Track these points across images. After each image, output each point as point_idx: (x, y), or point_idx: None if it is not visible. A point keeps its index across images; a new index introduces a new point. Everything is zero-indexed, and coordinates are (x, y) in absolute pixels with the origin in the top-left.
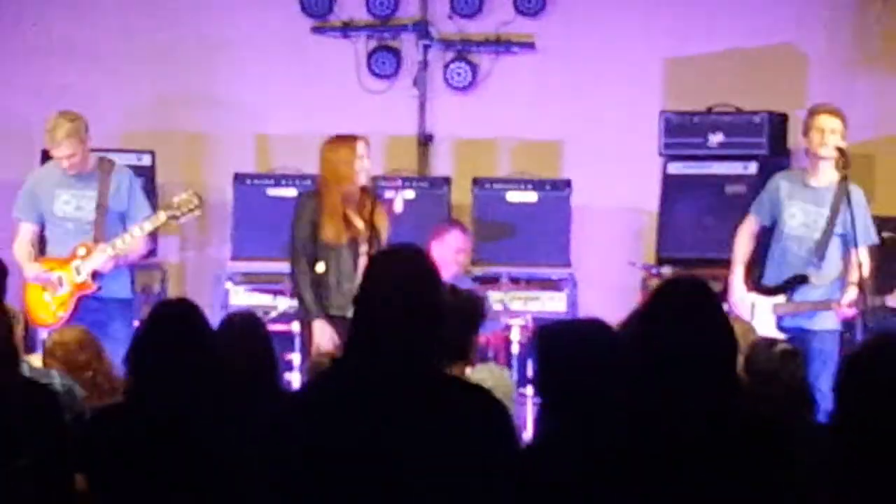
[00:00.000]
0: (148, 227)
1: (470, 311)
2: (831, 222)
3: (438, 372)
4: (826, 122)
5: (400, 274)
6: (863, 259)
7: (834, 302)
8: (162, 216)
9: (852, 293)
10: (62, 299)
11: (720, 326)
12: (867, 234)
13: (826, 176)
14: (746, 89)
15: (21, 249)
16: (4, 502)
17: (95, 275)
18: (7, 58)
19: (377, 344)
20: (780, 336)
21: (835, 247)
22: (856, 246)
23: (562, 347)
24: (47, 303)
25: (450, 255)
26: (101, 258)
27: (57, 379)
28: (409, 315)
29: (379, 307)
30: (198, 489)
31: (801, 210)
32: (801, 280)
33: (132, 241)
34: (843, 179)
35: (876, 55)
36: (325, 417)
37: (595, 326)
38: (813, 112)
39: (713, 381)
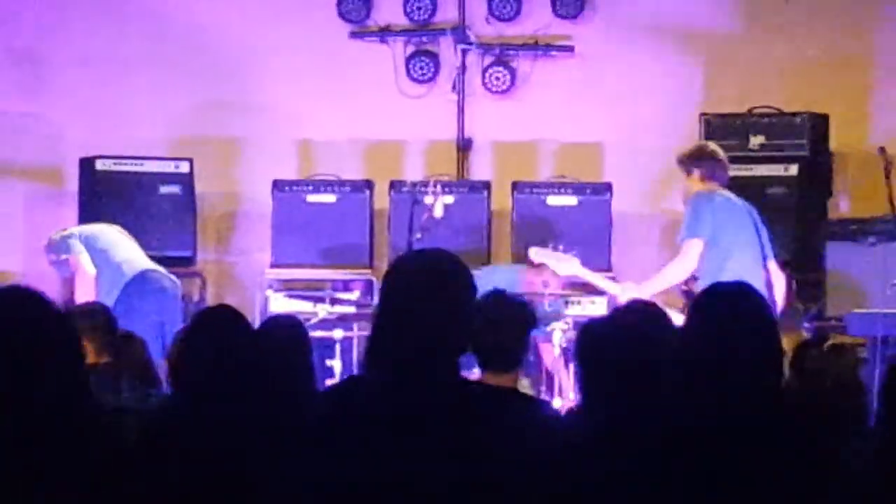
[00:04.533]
0: None
1: (522, 317)
2: None
3: (462, 379)
4: None
5: (423, 278)
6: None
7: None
8: None
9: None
10: None
11: (760, 331)
12: (682, 231)
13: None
14: (787, 89)
15: None
16: None
17: None
18: (47, 67)
19: (400, 351)
20: None
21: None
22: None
23: (606, 345)
24: None
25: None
26: None
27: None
28: (431, 319)
29: (401, 311)
30: (231, 495)
31: None
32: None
33: None
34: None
35: None
36: (351, 430)
37: (638, 320)
38: None
39: (753, 385)
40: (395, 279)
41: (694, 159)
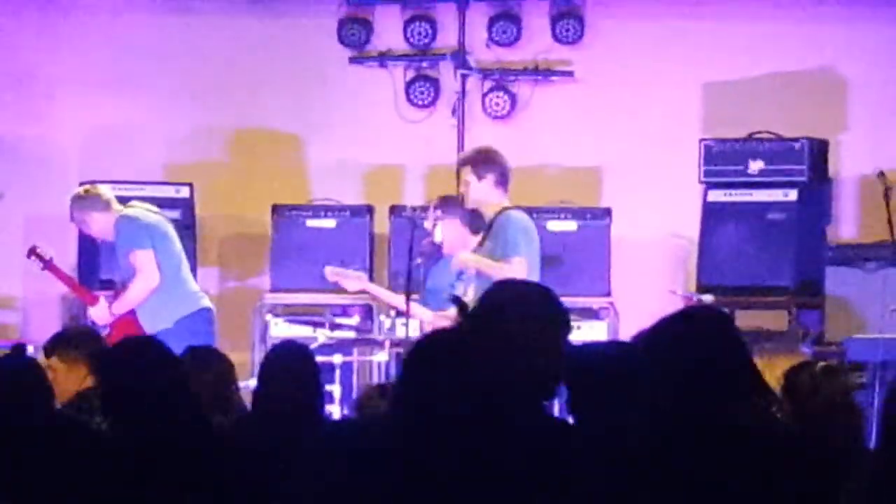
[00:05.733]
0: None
1: None
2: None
3: (546, 417)
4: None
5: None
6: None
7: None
8: None
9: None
10: None
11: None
12: (500, 252)
13: (489, 211)
14: (787, 115)
15: None
16: None
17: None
18: (46, 91)
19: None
20: None
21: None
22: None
23: (590, 369)
24: None
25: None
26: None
27: None
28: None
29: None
30: None
31: None
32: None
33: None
34: (504, 209)
35: None
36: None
37: (623, 348)
38: None
39: (705, 398)
40: (491, 306)
41: (489, 163)
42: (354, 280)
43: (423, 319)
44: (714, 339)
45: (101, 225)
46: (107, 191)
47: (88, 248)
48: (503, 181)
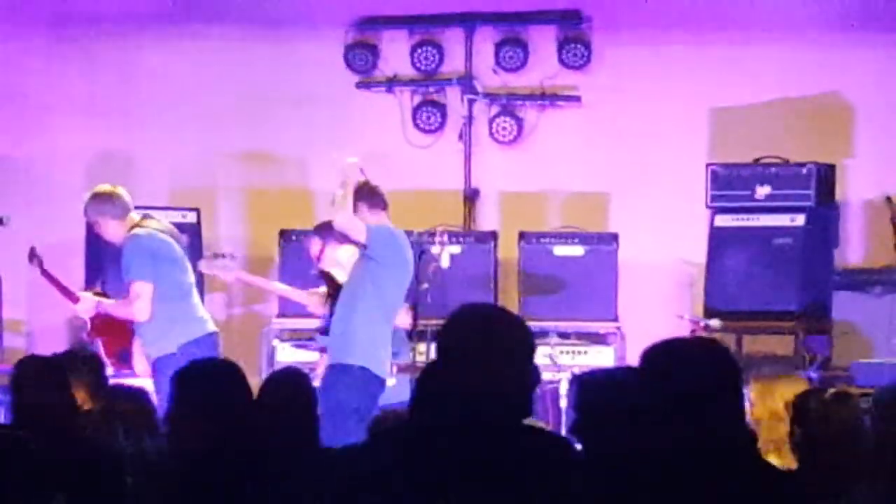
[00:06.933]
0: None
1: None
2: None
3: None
4: None
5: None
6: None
7: None
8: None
9: None
10: None
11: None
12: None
13: None
14: (793, 140)
15: None
16: None
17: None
18: (53, 116)
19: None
20: None
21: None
22: None
23: (600, 394)
24: None
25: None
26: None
27: None
28: (482, 374)
29: (454, 364)
30: None
31: None
32: None
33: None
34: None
35: None
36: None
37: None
38: None
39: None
40: (451, 332)
41: (358, 196)
42: (226, 270)
43: (297, 300)
44: (699, 367)
45: (112, 232)
46: (126, 196)
47: (95, 272)
48: (374, 204)
